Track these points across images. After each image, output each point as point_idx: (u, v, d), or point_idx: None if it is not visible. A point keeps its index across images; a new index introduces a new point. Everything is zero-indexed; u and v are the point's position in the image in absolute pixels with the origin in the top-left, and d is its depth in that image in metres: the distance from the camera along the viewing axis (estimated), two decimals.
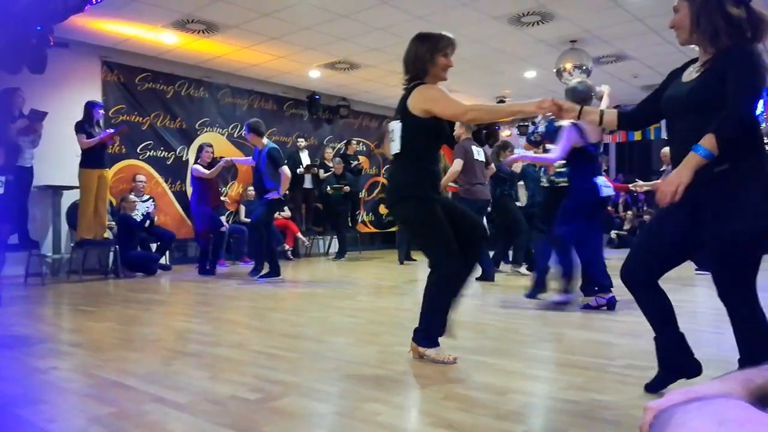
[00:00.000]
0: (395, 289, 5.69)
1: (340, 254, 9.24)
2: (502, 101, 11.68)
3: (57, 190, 7.09)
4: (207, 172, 7.11)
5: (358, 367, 2.63)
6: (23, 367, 2.71)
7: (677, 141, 2.10)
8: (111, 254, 7.30)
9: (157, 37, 7.84)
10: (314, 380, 2.43)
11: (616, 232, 11.21)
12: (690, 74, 2.15)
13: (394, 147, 2.78)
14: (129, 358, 2.89)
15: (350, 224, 11.05)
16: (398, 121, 2.76)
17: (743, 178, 1.92)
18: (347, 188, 9.39)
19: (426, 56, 2.80)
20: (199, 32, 7.66)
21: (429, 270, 2.77)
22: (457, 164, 6.10)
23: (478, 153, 6.41)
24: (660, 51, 8.53)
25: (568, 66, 7.79)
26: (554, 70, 8.35)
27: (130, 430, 1.87)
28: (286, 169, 6.39)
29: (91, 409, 2.10)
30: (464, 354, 2.86)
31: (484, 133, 14.02)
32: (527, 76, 9.98)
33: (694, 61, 2.20)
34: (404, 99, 2.75)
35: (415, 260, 7.81)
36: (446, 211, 2.75)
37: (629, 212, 11.40)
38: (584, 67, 8.07)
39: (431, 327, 2.74)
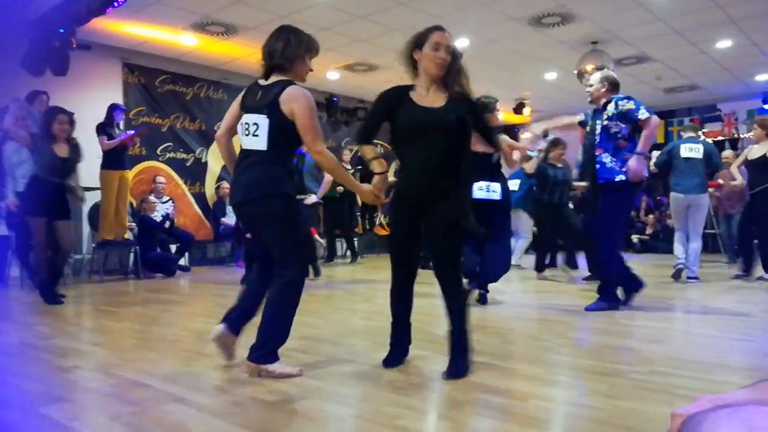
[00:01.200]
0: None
1: (352, 258, 9.17)
2: (521, 104, 11.60)
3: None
4: None
5: (376, 371, 2.61)
6: (47, 366, 2.74)
7: None
8: (131, 255, 7.38)
9: (176, 39, 7.92)
10: (333, 383, 2.42)
11: (638, 236, 11.06)
12: None
13: (256, 142, 2.53)
14: (149, 358, 2.91)
15: (368, 227, 11.05)
16: (264, 116, 2.51)
17: None
18: (340, 188, 8.73)
19: (298, 52, 2.63)
20: (218, 34, 7.72)
21: (278, 274, 2.56)
22: None
23: None
24: (683, 53, 8.42)
25: (589, 68, 7.71)
26: (575, 72, 8.27)
27: (151, 430, 1.88)
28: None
29: (113, 408, 2.11)
30: (485, 359, 2.84)
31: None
32: (547, 77, 9.92)
33: None
34: (273, 94, 2.52)
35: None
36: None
37: (651, 216, 11.25)
38: (605, 69, 7.99)
39: (272, 340, 2.51)
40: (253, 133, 2.52)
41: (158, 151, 8.49)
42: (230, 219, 8.62)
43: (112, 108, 6.90)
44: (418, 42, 2.73)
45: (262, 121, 2.51)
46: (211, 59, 8.77)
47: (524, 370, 2.66)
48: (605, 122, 4.25)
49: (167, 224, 7.50)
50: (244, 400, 2.18)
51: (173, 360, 2.88)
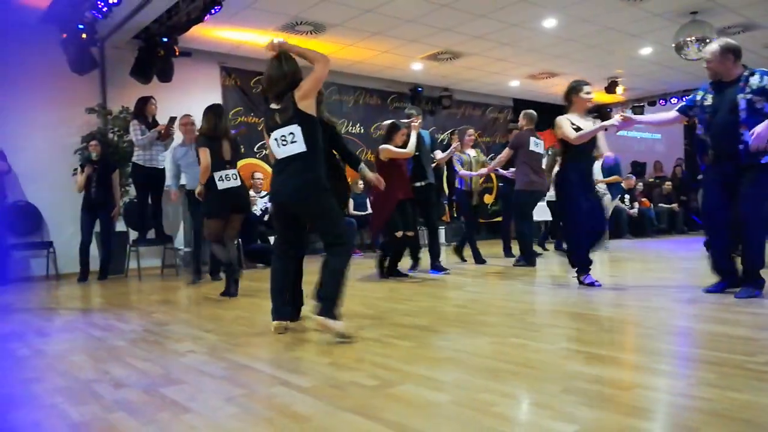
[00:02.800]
0: (502, 279, 5.60)
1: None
2: (614, 83, 11.07)
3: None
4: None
5: (471, 358, 2.62)
6: (164, 350, 2.99)
7: None
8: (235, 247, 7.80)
9: (268, 41, 8.23)
10: (429, 369, 2.46)
11: None
12: None
13: (294, 148, 3.07)
14: (256, 344, 3.09)
15: (455, 215, 11.00)
16: (296, 125, 3.06)
17: None
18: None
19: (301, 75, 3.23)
20: (307, 33, 7.95)
21: (335, 244, 3.08)
22: (506, 153, 6.54)
23: (536, 144, 6.48)
24: None
25: (689, 40, 7.22)
26: (673, 45, 7.78)
27: (261, 411, 2.01)
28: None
29: (225, 389, 2.27)
30: (584, 347, 2.77)
31: (595, 116, 13.36)
32: (642, 53, 9.39)
33: None
34: (291, 105, 3.09)
35: (513, 256, 7.47)
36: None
37: None
38: (707, 40, 7.46)
39: (337, 298, 3.04)
40: (291, 141, 3.07)
41: (255, 149, 8.89)
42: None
43: None
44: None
45: (295, 129, 3.06)
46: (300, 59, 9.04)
47: (626, 359, 2.57)
48: (748, 96, 3.83)
49: (266, 217, 7.86)
50: (345, 384, 2.27)
51: (277, 345, 3.04)
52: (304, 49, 3.21)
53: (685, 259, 6.94)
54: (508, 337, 3.02)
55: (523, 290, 4.81)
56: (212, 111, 5.01)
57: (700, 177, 7.47)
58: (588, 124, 4.71)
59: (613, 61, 9.88)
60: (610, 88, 11.25)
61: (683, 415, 1.90)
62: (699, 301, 3.94)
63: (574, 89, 4.84)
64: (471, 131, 7.12)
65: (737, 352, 2.64)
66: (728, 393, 2.06)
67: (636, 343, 2.91)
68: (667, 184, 12.65)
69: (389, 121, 5.66)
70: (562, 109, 5.01)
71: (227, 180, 4.93)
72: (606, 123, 4.67)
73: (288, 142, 3.07)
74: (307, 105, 3.10)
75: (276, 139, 3.12)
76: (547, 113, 10.32)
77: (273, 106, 3.17)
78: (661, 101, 12.66)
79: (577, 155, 4.66)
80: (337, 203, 3.36)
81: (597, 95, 12.43)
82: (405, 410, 1.98)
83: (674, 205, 12.42)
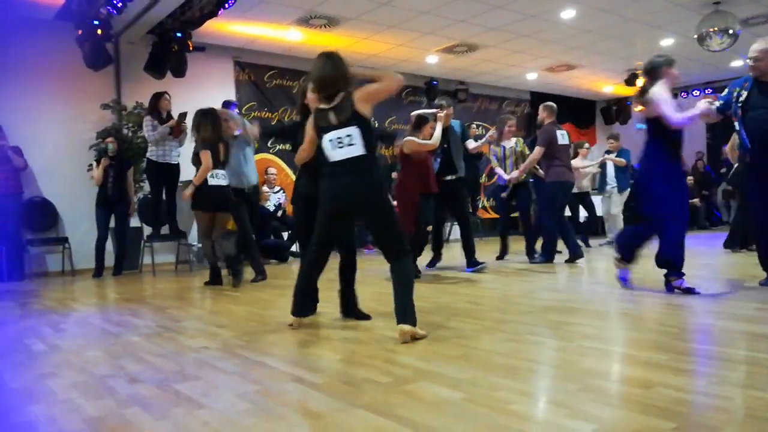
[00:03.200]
0: (519, 276, 5.54)
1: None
2: (634, 75, 10.90)
3: None
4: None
5: (486, 355, 2.59)
6: (179, 346, 2.99)
7: None
8: None
9: (282, 35, 8.23)
10: (443, 366, 2.43)
11: None
12: None
13: (352, 150, 2.98)
14: (268, 340, 3.08)
15: (471, 210, 10.93)
16: (354, 126, 2.97)
17: None
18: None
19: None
20: (321, 27, 7.92)
21: (401, 254, 3.01)
22: (537, 152, 6.26)
23: (563, 137, 6.35)
24: None
25: (712, 31, 7.06)
26: (695, 36, 7.62)
27: (274, 407, 1.99)
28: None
29: (238, 386, 2.26)
30: (600, 345, 2.73)
31: (614, 110, 13.18)
32: (663, 44, 9.23)
33: None
34: (349, 107, 2.99)
35: (535, 254, 7.37)
36: None
37: None
38: (730, 31, 7.30)
39: (412, 305, 2.97)
40: (349, 144, 2.97)
41: (269, 144, 8.89)
42: None
43: (227, 104, 7.31)
44: (302, 91, 3.67)
45: (354, 131, 2.97)
46: (316, 52, 8.94)
47: (645, 357, 2.52)
48: None
49: (279, 213, 7.87)
50: (359, 381, 2.25)
51: (290, 342, 3.03)
52: (373, 72, 3.20)
53: (707, 255, 6.82)
54: (524, 335, 2.98)
55: (541, 287, 4.76)
56: (209, 118, 5.41)
57: (723, 170, 7.25)
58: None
59: (633, 53, 9.71)
60: (630, 81, 11.08)
61: (704, 415, 1.85)
62: (721, 298, 3.87)
63: (667, 62, 4.25)
64: (512, 121, 6.94)
65: (760, 350, 2.58)
66: (751, 392, 2.01)
67: (656, 341, 2.85)
68: (689, 179, 12.46)
69: (417, 112, 5.46)
70: (580, 102, 4.90)
71: (217, 178, 5.40)
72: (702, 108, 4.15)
73: (345, 144, 2.97)
74: (365, 109, 3.02)
75: (331, 141, 3.01)
76: (564, 106, 10.22)
77: (323, 106, 3.06)
78: (683, 93, 12.43)
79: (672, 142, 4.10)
80: None
81: (616, 88, 12.27)
82: (419, 407, 1.95)
83: (696, 200, 12.23)
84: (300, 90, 3.78)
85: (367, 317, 3.52)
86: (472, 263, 5.82)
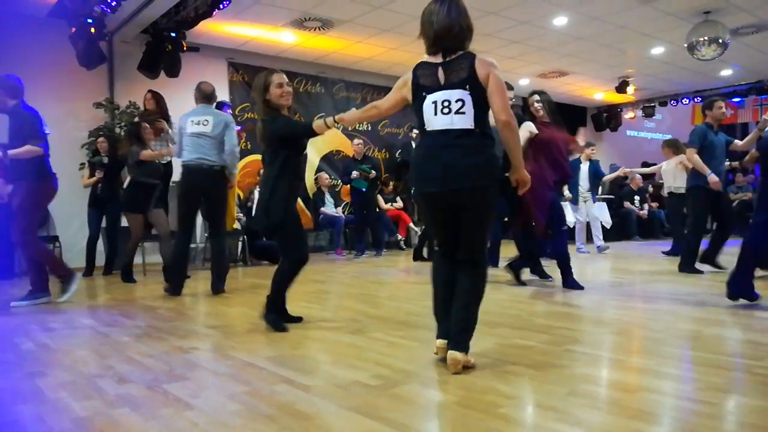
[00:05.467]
0: (508, 281, 5.56)
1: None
2: (625, 82, 10.99)
3: None
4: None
5: (476, 358, 2.59)
6: (169, 347, 2.98)
7: None
8: (239, 244, 7.81)
9: (276, 37, 8.23)
10: (433, 369, 2.44)
11: None
12: None
13: (460, 120, 2.36)
14: (259, 341, 3.08)
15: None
16: (467, 91, 2.36)
17: None
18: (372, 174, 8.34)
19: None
20: (315, 29, 7.93)
21: (474, 265, 2.49)
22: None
23: None
24: None
25: (702, 40, 7.15)
26: (685, 45, 7.70)
27: (264, 408, 2.00)
28: None
29: (228, 387, 2.26)
30: (591, 350, 2.75)
31: (605, 116, 13.27)
32: (654, 52, 9.32)
33: None
34: (468, 67, 2.38)
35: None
36: None
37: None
38: (720, 40, 7.37)
39: (472, 329, 2.47)
40: (457, 111, 2.35)
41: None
42: (329, 209, 8.90)
43: (220, 105, 7.28)
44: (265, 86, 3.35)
45: (467, 97, 2.35)
46: (309, 54, 9.03)
47: (633, 362, 2.54)
48: None
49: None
50: (349, 384, 2.25)
51: (281, 343, 3.03)
52: None
53: None
54: (513, 339, 3.00)
55: (530, 292, 4.78)
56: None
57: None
58: None
59: (624, 61, 9.80)
60: (621, 88, 11.18)
61: (690, 420, 1.87)
62: (707, 304, 3.91)
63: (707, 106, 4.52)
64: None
65: (745, 356, 2.61)
66: (736, 397, 2.04)
67: (643, 346, 2.88)
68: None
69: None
70: (572, 109, 4.94)
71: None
72: None
73: (452, 111, 2.35)
74: (485, 80, 2.37)
75: (435, 102, 2.39)
76: (557, 113, 10.27)
77: (433, 59, 2.47)
78: (672, 102, 12.55)
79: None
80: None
81: (607, 95, 12.36)
82: (409, 410, 1.96)
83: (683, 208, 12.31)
84: (260, 85, 3.36)
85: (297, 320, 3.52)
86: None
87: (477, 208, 2.39)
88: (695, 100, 12.19)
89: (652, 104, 12.86)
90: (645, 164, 13.89)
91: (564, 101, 12.68)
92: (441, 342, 2.48)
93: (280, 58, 9.03)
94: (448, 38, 2.43)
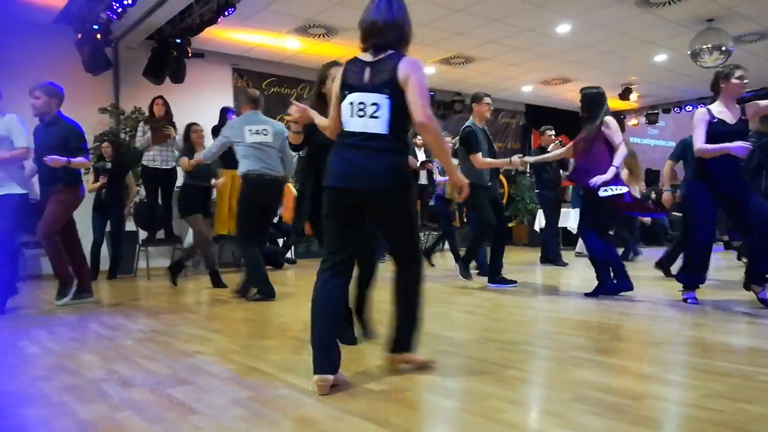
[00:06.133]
0: (515, 287, 5.56)
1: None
2: (628, 89, 11.00)
3: None
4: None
5: (480, 364, 2.60)
6: (173, 351, 2.99)
7: None
8: None
9: (281, 44, 8.27)
10: (437, 375, 2.44)
11: None
12: None
13: (375, 125, 2.31)
14: (263, 346, 3.09)
15: (465, 219, 10.96)
16: (385, 96, 2.31)
17: None
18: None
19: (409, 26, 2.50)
20: (319, 36, 7.96)
21: (404, 265, 2.50)
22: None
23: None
24: None
25: (705, 47, 7.16)
26: (688, 53, 7.71)
27: (267, 413, 2.00)
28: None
29: (232, 391, 2.26)
30: (593, 356, 2.75)
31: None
32: (657, 60, 9.33)
33: None
34: (390, 69, 2.32)
35: (566, 264, 7.35)
36: None
37: None
38: (723, 48, 7.38)
39: (415, 329, 2.54)
40: (371, 115, 2.32)
41: None
42: None
43: (225, 111, 7.32)
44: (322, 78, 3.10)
45: (383, 101, 2.31)
46: (314, 61, 9.06)
47: (636, 368, 2.54)
48: None
49: (275, 219, 7.86)
50: (353, 389, 2.26)
51: (285, 347, 3.04)
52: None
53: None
54: (517, 344, 3.00)
55: (533, 297, 4.78)
56: None
57: None
58: (730, 115, 4.19)
59: (627, 68, 9.82)
60: (624, 95, 11.18)
61: (694, 427, 1.87)
62: (711, 311, 3.90)
63: (723, 75, 4.25)
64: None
65: (749, 363, 2.61)
66: (739, 404, 2.03)
67: (647, 353, 2.88)
68: (680, 193, 12.51)
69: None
70: (575, 115, 4.89)
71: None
72: None
73: (366, 114, 2.32)
74: (405, 85, 2.32)
75: (351, 104, 2.35)
76: (559, 119, 10.27)
77: (364, 57, 2.41)
78: (675, 109, 12.54)
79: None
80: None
81: (610, 102, 12.37)
82: (412, 415, 1.96)
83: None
84: (318, 76, 3.23)
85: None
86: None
87: (382, 210, 2.37)
88: (698, 107, 12.16)
89: (656, 111, 12.85)
90: (648, 171, 13.88)
91: (567, 108, 12.69)
92: (320, 378, 2.21)
93: (284, 64, 9.07)
94: (375, 35, 2.39)
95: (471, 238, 5.66)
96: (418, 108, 2.30)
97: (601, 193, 4.31)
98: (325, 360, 2.23)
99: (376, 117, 2.31)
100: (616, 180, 4.42)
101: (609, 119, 4.48)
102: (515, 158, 5.40)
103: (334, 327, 2.35)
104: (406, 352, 2.51)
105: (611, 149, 4.43)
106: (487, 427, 1.84)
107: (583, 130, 4.60)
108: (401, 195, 2.36)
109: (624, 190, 4.38)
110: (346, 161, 2.33)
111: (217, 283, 5.73)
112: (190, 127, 5.97)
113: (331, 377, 2.22)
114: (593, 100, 4.59)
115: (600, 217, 4.65)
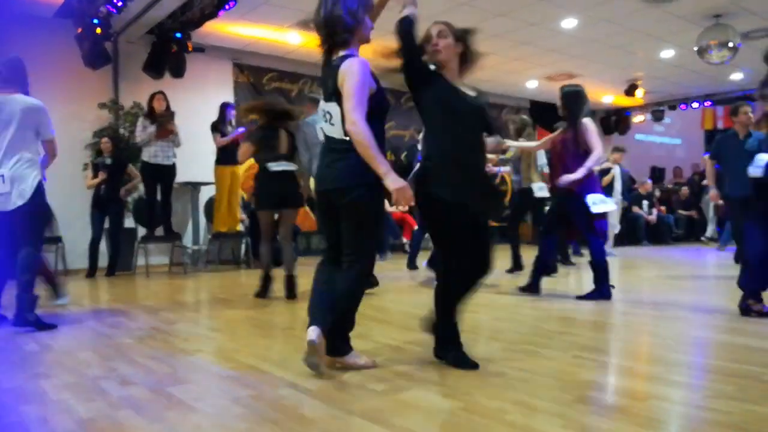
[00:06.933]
0: (514, 286, 5.53)
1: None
2: (633, 86, 10.93)
3: (196, 186, 7.66)
4: None
5: (482, 364, 2.57)
6: (172, 349, 2.96)
7: None
8: (243, 246, 7.80)
9: (282, 38, 8.22)
10: (439, 375, 2.41)
11: None
12: None
13: (332, 131, 2.43)
14: (263, 345, 3.06)
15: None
16: (334, 103, 2.39)
17: None
18: None
19: (358, 17, 2.45)
20: None
21: (348, 265, 2.45)
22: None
23: None
24: None
25: (712, 43, 7.10)
26: (695, 49, 7.65)
27: (268, 413, 1.98)
28: None
29: (232, 390, 2.24)
30: (596, 356, 2.72)
31: (614, 120, 13.19)
32: (663, 56, 9.25)
33: None
34: (334, 75, 2.38)
35: (573, 264, 7.15)
36: None
37: None
38: (730, 44, 7.31)
39: (348, 330, 2.55)
40: (329, 122, 2.44)
41: None
42: None
43: (224, 106, 7.28)
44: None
45: (334, 109, 2.40)
46: (315, 55, 8.89)
47: (641, 369, 2.51)
48: None
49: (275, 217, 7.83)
50: (353, 388, 2.23)
51: (285, 346, 3.02)
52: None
53: (704, 267, 6.83)
54: (519, 344, 2.97)
55: (535, 297, 4.75)
56: None
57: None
58: None
59: (633, 64, 9.75)
60: (630, 91, 11.11)
61: (699, 428, 1.84)
62: (716, 311, 3.87)
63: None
64: None
65: (756, 363, 2.58)
66: (746, 405, 2.00)
67: (652, 353, 2.85)
68: (684, 190, 12.46)
69: None
70: None
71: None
72: None
73: (327, 120, 2.46)
74: (341, 86, 2.38)
75: (322, 110, 2.51)
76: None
77: (324, 67, 2.51)
78: (681, 105, 12.46)
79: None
80: None
81: (616, 98, 12.29)
82: (414, 416, 1.93)
83: (693, 212, 12.23)
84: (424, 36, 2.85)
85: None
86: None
87: (344, 208, 2.43)
88: (705, 104, 12.10)
89: (662, 108, 12.77)
90: (653, 169, 13.83)
91: None
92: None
93: (285, 59, 9.02)
94: (321, 36, 2.46)
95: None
96: (346, 115, 2.33)
97: (593, 209, 4.25)
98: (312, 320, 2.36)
99: (332, 124, 2.42)
100: (594, 185, 4.39)
101: (587, 121, 4.42)
102: (491, 139, 5.28)
103: (320, 301, 2.44)
104: (338, 355, 2.50)
105: (586, 151, 4.33)
106: (491, 427, 1.81)
107: (560, 129, 4.57)
108: (358, 193, 2.39)
109: (612, 207, 4.34)
110: (320, 165, 2.55)
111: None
112: None
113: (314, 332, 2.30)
114: (573, 97, 4.47)
115: (562, 224, 4.66)
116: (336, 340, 2.49)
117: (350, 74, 2.33)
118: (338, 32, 2.42)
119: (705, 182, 8.62)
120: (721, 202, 5.11)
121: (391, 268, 6.99)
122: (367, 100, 2.36)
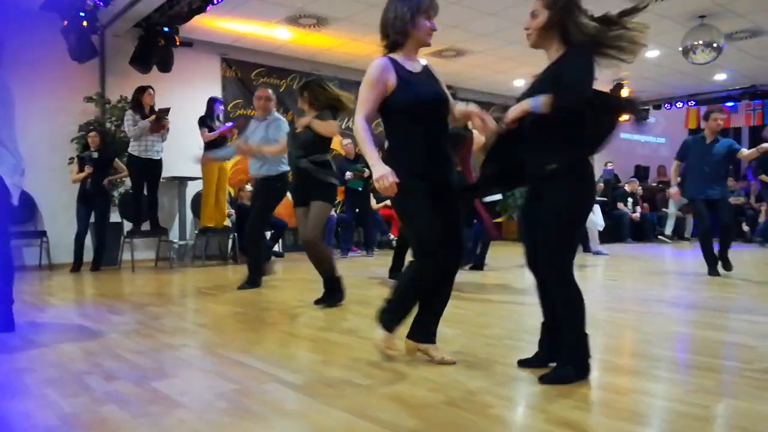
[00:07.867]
0: (501, 282, 5.57)
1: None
2: (619, 85, 11.02)
3: (183, 181, 7.61)
4: None
5: (467, 359, 2.59)
6: (158, 344, 2.95)
7: None
8: (230, 241, 7.77)
9: (271, 33, 8.18)
10: (424, 369, 2.43)
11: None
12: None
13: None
14: (249, 339, 3.06)
15: None
16: None
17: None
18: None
19: (406, 19, 2.52)
20: (309, 26, 7.89)
21: None
22: None
23: None
24: None
25: (697, 44, 7.18)
26: (680, 49, 7.73)
27: (253, 407, 1.98)
28: None
29: (217, 385, 2.24)
30: None
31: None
32: (649, 56, 9.34)
33: None
34: None
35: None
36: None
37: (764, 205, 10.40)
38: (714, 45, 7.40)
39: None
40: None
41: None
42: None
43: (212, 101, 7.24)
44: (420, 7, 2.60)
45: None
46: (303, 51, 8.99)
47: (624, 364, 2.54)
48: None
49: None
50: (339, 383, 2.24)
51: (271, 341, 3.01)
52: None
53: (686, 265, 6.92)
54: (504, 339, 3.00)
55: (520, 293, 4.78)
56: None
57: None
58: None
59: (619, 63, 9.83)
60: (616, 91, 11.21)
61: (681, 422, 1.87)
62: (698, 307, 3.92)
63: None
64: None
65: (735, 359, 2.62)
66: (726, 400, 2.04)
67: (634, 349, 2.89)
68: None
69: None
70: None
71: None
72: None
73: None
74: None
75: None
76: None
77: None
78: (666, 105, 12.59)
79: None
80: None
81: None
82: (400, 410, 1.95)
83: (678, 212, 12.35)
84: None
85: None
86: None
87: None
88: (689, 103, 12.24)
89: (647, 107, 12.90)
90: (638, 167, 13.95)
91: None
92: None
93: (274, 54, 8.98)
94: (381, 35, 2.68)
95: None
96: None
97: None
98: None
99: None
100: None
101: None
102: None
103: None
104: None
105: None
106: (475, 422, 1.83)
107: None
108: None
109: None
110: None
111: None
112: None
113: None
114: None
115: None
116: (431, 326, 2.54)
117: (366, 74, 2.52)
118: (389, 34, 2.59)
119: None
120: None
121: (378, 264, 7.00)
122: (374, 99, 2.53)
